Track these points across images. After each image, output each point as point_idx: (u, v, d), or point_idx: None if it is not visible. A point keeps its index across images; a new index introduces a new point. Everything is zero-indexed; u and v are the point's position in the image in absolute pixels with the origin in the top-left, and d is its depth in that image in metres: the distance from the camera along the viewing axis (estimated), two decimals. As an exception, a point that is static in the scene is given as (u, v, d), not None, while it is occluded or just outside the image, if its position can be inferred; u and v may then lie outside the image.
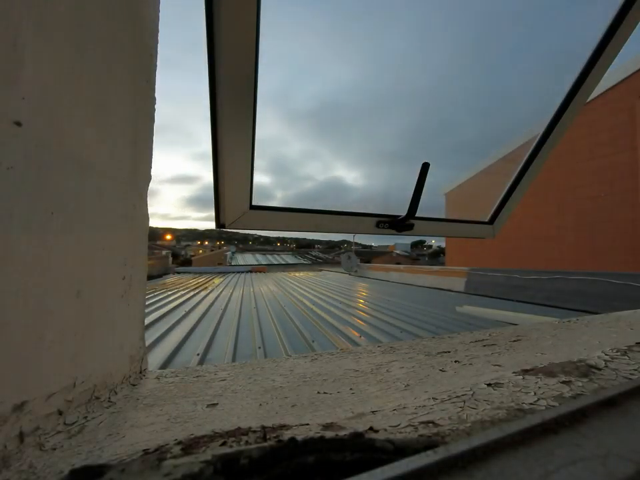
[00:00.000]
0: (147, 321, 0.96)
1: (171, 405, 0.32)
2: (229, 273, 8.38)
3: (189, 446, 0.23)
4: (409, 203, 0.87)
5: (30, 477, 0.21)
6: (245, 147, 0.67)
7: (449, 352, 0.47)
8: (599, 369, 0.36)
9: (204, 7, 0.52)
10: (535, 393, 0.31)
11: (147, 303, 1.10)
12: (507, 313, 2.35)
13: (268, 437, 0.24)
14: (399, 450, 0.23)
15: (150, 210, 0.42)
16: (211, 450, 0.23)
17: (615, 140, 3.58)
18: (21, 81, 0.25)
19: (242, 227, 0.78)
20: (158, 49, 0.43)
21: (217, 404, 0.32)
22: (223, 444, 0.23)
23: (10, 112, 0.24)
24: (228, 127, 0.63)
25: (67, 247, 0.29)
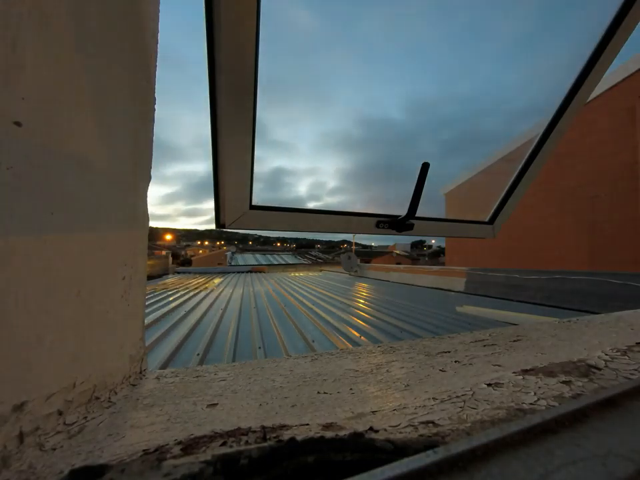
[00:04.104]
0: (147, 321, 0.96)
1: (171, 405, 0.32)
2: (229, 273, 8.37)
3: (189, 446, 0.23)
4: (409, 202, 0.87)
5: (30, 477, 0.21)
6: (245, 147, 0.67)
7: (449, 352, 0.47)
8: (599, 369, 0.36)
9: (204, 7, 0.52)
10: (534, 393, 0.31)
11: (146, 303, 1.10)
12: (507, 313, 2.35)
13: (268, 437, 0.24)
14: (399, 450, 0.23)
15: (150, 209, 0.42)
16: (210, 450, 0.23)
17: (615, 140, 3.58)
18: (21, 81, 0.25)
19: (242, 226, 0.78)
20: (158, 49, 0.43)
21: (217, 404, 0.32)
22: (223, 444, 0.23)
23: (10, 112, 0.24)
24: (228, 127, 0.63)
25: (67, 246, 0.29)
